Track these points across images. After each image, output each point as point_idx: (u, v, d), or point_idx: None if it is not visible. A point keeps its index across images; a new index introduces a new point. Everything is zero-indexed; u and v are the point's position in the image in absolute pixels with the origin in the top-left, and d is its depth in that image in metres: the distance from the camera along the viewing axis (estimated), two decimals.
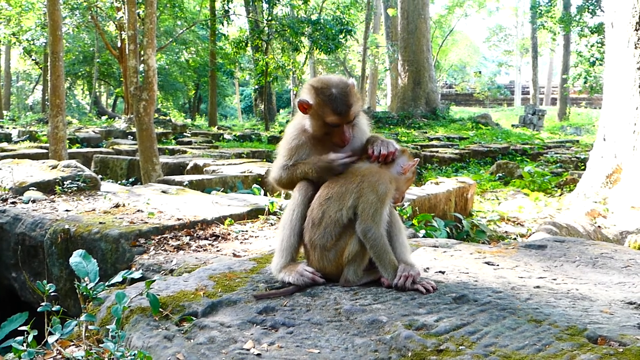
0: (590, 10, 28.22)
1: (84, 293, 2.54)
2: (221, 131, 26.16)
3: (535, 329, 2.17)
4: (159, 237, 4.75)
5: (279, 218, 5.53)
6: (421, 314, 2.32)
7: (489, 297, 2.54)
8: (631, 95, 8.22)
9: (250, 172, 9.87)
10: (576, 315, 2.32)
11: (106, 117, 32.93)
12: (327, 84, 2.90)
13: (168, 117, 30.58)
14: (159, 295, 2.52)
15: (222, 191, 8.15)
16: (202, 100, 51.02)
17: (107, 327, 2.34)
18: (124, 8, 12.86)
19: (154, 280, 2.52)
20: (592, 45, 28.65)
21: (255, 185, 8.46)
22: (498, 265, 3.15)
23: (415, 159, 3.00)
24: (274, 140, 22.32)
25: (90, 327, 2.43)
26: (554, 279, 2.87)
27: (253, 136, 23.80)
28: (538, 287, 2.71)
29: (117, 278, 2.94)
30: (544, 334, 2.12)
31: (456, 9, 49.43)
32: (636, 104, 8.14)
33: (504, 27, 65.42)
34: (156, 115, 28.15)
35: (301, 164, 2.96)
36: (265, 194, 7.92)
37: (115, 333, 2.14)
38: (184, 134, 23.20)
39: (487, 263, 3.19)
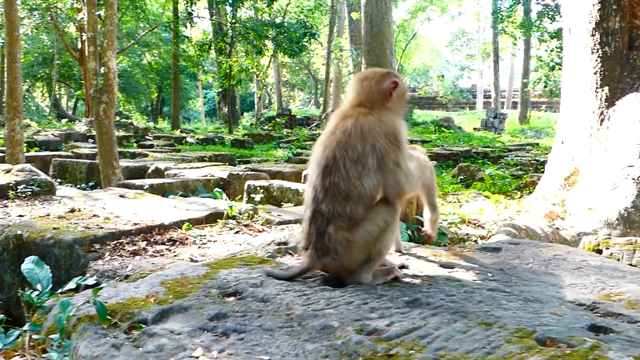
0: (549, 16, 28.65)
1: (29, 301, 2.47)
2: (184, 134, 25.94)
3: (485, 332, 2.17)
4: (115, 242, 4.67)
5: (238, 222, 5.49)
6: (373, 319, 2.31)
7: (441, 300, 2.54)
8: (588, 99, 8.35)
9: (212, 175, 9.79)
10: (527, 317, 2.33)
11: (66, 120, 32.42)
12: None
13: (130, 120, 30.21)
14: (107, 302, 2.46)
15: (183, 195, 8.07)
16: (164, 103, 50.59)
17: (52, 336, 2.28)
18: (84, 9, 12.67)
19: (102, 287, 2.46)
20: (551, 50, 29.08)
21: (217, 189, 8.40)
22: (453, 268, 3.16)
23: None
24: (238, 143, 22.20)
25: (35, 336, 2.36)
26: (507, 282, 2.89)
27: (216, 139, 23.67)
28: (491, 290, 2.72)
29: (71, 285, 2.88)
30: (494, 336, 2.12)
31: (419, 14, 49.80)
32: (593, 107, 8.27)
33: (467, 32, 66.14)
34: (117, 118, 27.78)
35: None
36: (227, 198, 7.86)
37: (59, 343, 2.08)
38: (146, 137, 22.94)
39: (442, 266, 3.19)
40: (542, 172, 10.33)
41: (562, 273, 3.12)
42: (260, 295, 2.57)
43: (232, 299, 2.60)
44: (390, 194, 2.82)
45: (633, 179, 7.37)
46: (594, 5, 8.30)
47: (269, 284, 2.74)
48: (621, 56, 8.16)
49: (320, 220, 2.78)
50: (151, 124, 37.43)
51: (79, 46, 28.03)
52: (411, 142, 23.14)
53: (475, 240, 7.40)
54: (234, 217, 5.61)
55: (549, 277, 2.99)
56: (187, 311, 2.43)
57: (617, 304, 2.59)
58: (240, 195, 8.97)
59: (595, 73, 8.27)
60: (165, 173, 10.51)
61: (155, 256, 4.43)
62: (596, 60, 8.27)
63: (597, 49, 8.27)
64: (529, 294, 2.66)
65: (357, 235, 2.76)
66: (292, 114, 37.08)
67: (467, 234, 7.86)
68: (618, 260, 4.65)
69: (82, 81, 31.76)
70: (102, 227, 4.91)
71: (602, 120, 8.20)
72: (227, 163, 14.41)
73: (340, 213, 2.74)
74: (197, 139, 23.49)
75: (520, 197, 10.65)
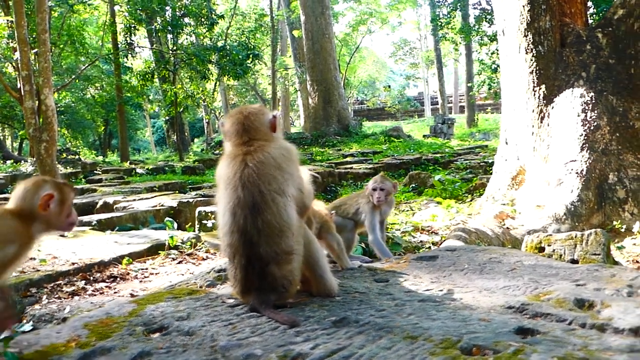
0: (487, 20, 29.09)
1: None
2: (133, 166, 25.53)
3: (409, 346, 2.14)
4: (52, 284, 4.54)
5: (181, 252, 5.40)
6: (298, 343, 2.25)
7: (371, 316, 2.50)
8: (527, 98, 8.51)
9: (162, 205, 9.64)
10: (454, 326, 2.31)
11: (11, 161, 31.61)
12: None
13: (77, 156, 29.69)
14: (25, 351, 2.33)
15: (133, 227, 7.92)
16: (112, 135, 49.81)
17: None
18: (18, 48, 12.41)
19: (12, 337, 2.36)
20: (492, 53, 29.46)
21: (167, 218, 8.26)
22: (387, 281, 3.13)
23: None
24: (189, 170, 21.95)
25: None
26: (441, 290, 2.88)
27: (167, 168, 23.33)
28: (422, 300, 2.70)
29: (6, 333, 2.77)
30: (418, 350, 2.09)
31: (360, 27, 50.25)
32: (532, 106, 8.42)
33: (409, 41, 67.05)
34: (64, 155, 27.37)
35: None
36: (178, 227, 7.73)
37: None
38: (94, 172, 22.51)
39: (377, 280, 3.17)
40: (491, 173, 10.47)
41: (496, 276, 3.12)
42: (186, 329, 2.50)
43: (157, 335, 2.51)
44: (298, 213, 2.90)
45: (577, 173, 7.50)
46: (523, 6, 8.48)
47: (195, 316, 2.67)
48: (554, 54, 8.34)
49: (258, 264, 2.74)
50: (100, 158, 36.84)
51: (18, 85, 27.47)
52: (362, 154, 22.98)
53: (429, 247, 7.43)
54: (176, 247, 5.52)
55: (482, 282, 2.99)
56: (109, 352, 2.34)
57: (546, 303, 2.59)
58: (191, 223, 8.85)
59: (532, 72, 8.43)
60: (114, 207, 10.30)
61: (95, 295, 4.32)
62: (531, 60, 8.43)
63: (531, 49, 8.44)
64: (460, 301, 2.65)
65: (296, 264, 2.80)
66: None
67: (421, 241, 7.88)
68: (560, 256, 4.71)
69: (24, 121, 31.11)
70: (38, 270, 4.77)
71: (542, 118, 8.35)
72: (177, 191, 14.21)
73: (278, 252, 2.73)
74: (148, 169, 23.14)
75: (471, 200, 10.73)
